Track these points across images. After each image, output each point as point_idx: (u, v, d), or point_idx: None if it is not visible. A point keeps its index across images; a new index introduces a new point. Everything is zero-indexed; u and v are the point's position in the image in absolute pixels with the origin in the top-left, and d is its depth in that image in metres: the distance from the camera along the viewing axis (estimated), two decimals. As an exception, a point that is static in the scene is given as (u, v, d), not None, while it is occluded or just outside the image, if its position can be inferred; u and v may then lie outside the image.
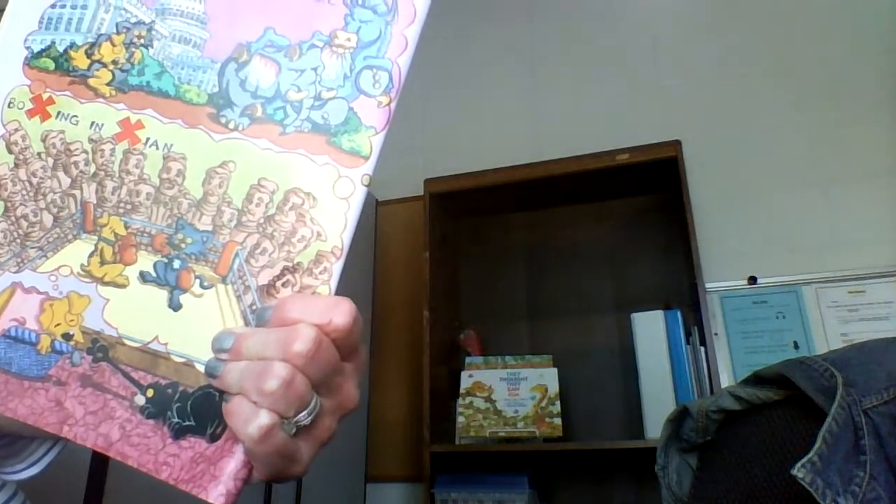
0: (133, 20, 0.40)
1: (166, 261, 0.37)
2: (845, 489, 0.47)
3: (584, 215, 2.11)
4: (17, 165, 0.40)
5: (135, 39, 0.39)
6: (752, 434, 0.61)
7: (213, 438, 0.34)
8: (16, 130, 0.40)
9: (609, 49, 2.27)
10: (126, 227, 0.38)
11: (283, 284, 0.36)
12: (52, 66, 0.40)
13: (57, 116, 0.39)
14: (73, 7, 0.41)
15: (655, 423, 1.60)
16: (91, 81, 0.39)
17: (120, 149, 0.38)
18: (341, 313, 0.33)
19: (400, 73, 0.38)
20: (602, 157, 1.87)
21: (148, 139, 0.38)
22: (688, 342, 1.73)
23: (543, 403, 1.79)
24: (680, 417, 0.70)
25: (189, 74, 0.38)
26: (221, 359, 0.34)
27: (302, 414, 0.33)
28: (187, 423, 0.35)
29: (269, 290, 0.36)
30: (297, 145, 0.37)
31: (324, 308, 0.33)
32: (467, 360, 1.96)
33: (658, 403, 1.66)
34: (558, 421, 1.75)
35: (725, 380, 1.74)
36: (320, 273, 0.36)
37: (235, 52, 0.38)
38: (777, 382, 0.62)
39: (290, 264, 0.36)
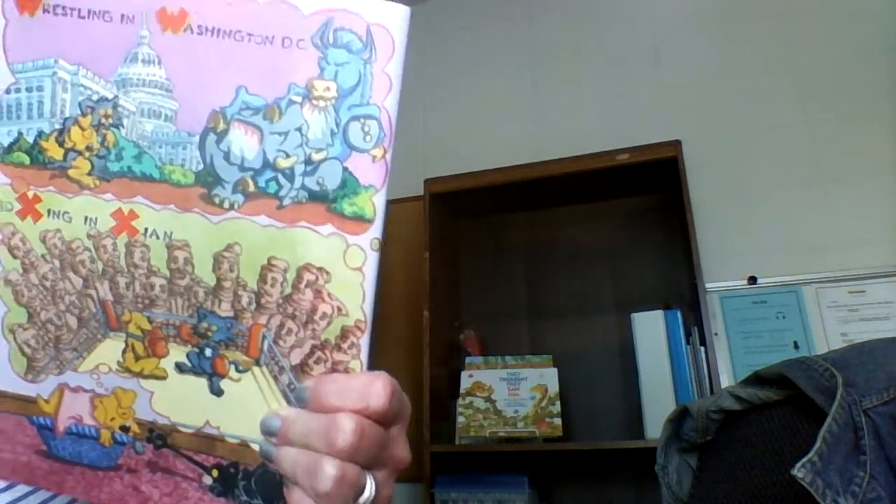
0: (95, 97, 0.37)
1: (198, 350, 0.37)
2: (845, 489, 0.47)
3: (584, 215, 2.11)
4: (25, 270, 0.39)
5: (103, 120, 0.37)
6: (753, 434, 0.61)
7: None
8: (13, 234, 0.39)
9: (609, 49, 2.27)
10: (150, 322, 0.37)
11: (315, 362, 0.36)
12: (27, 160, 0.38)
13: (49, 215, 0.38)
14: (30, 90, 0.38)
15: (655, 423, 1.60)
16: (71, 173, 0.37)
17: (121, 242, 0.37)
18: (377, 395, 0.33)
19: (390, 119, 0.35)
20: (602, 157, 1.87)
21: (146, 229, 0.37)
22: (688, 342, 1.73)
23: (543, 403, 1.79)
24: (680, 417, 0.70)
25: (169, 153, 0.36)
26: (272, 442, 0.35)
27: (361, 498, 0.34)
28: (255, 501, 0.36)
29: (303, 368, 0.36)
30: (297, 217, 0.35)
31: (359, 391, 0.34)
32: (467, 360, 1.96)
33: (658, 403, 1.66)
34: (558, 421, 1.75)
35: (725, 380, 1.74)
36: (349, 348, 0.35)
37: (211, 121, 0.36)
38: (777, 382, 0.62)
39: (318, 342, 0.35)
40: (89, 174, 0.37)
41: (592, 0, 2.36)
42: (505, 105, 2.32)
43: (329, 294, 0.35)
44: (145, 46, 0.36)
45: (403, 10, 0.36)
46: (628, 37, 2.26)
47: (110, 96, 0.37)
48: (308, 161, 0.35)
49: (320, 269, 0.35)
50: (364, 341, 0.36)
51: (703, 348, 1.68)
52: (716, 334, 1.78)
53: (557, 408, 1.78)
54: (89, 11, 0.37)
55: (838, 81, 1.97)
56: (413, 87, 2.44)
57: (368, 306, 0.36)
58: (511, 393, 1.83)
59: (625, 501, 1.83)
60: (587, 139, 2.03)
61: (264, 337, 0.36)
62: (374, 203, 0.35)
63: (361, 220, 0.35)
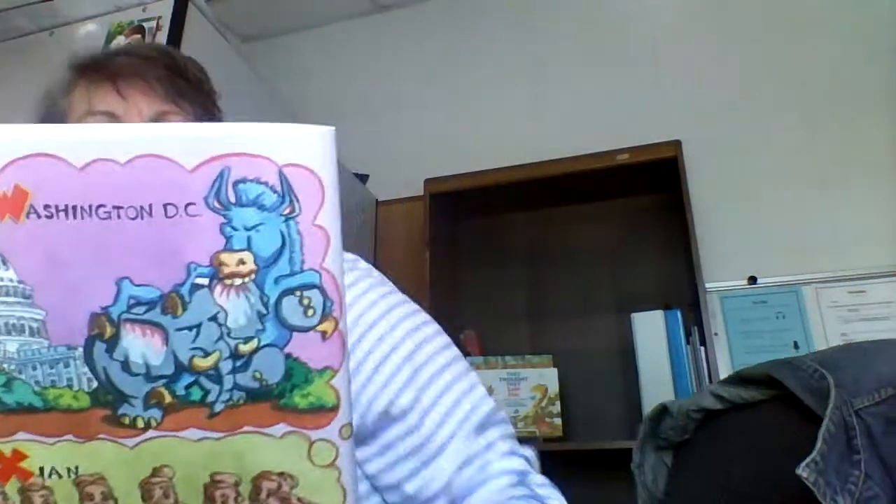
0: None
1: None
2: (842, 487, 0.48)
3: (584, 215, 2.11)
4: None
5: None
6: (735, 433, 0.62)
7: None
8: None
9: (609, 49, 2.27)
10: None
11: None
12: None
13: None
14: None
15: (655, 423, 1.60)
16: None
17: (12, 489, 0.29)
18: None
19: (335, 280, 0.28)
20: (602, 157, 1.87)
21: (41, 469, 0.29)
22: (688, 342, 1.73)
23: (543, 403, 1.79)
24: (659, 416, 0.70)
25: (48, 374, 0.28)
26: None
27: None
28: None
29: None
30: (237, 423, 0.29)
31: None
32: (467, 359, 1.95)
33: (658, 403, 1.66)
34: (558, 421, 1.75)
35: (725, 380, 1.74)
36: None
37: (94, 327, 0.28)
38: (761, 382, 0.63)
39: None
40: None
41: (592, 1, 2.36)
42: (505, 105, 2.32)
43: (299, 499, 0.29)
44: None
45: (325, 133, 0.28)
46: (628, 37, 2.26)
47: None
48: (235, 355, 0.28)
49: (281, 473, 0.29)
50: None
51: (703, 348, 1.68)
52: (716, 334, 1.78)
53: (557, 408, 1.78)
54: None
55: (838, 81, 1.97)
56: (413, 86, 2.44)
57: (351, 500, 0.29)
58: (511, 393, 1.84)
59: (625, 501, 1.83)
60: (587, 139, 2.03)
61: None
62: (336, 387, 0.28)
63: (322, 410, 0.29)
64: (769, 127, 2.00)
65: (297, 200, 0.27)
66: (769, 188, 1.95)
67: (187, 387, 0.28)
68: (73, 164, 0.27)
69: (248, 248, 0.27)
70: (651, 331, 1.75)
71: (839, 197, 1.88)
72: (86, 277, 0.28)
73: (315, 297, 0.28)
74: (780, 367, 0.60)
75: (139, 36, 1.35)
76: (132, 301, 0.28)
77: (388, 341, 0.52)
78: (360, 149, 2.20)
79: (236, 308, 0.28)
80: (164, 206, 0.27)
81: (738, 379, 0.66)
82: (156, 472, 0.29)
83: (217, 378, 0.28)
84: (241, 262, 0.27)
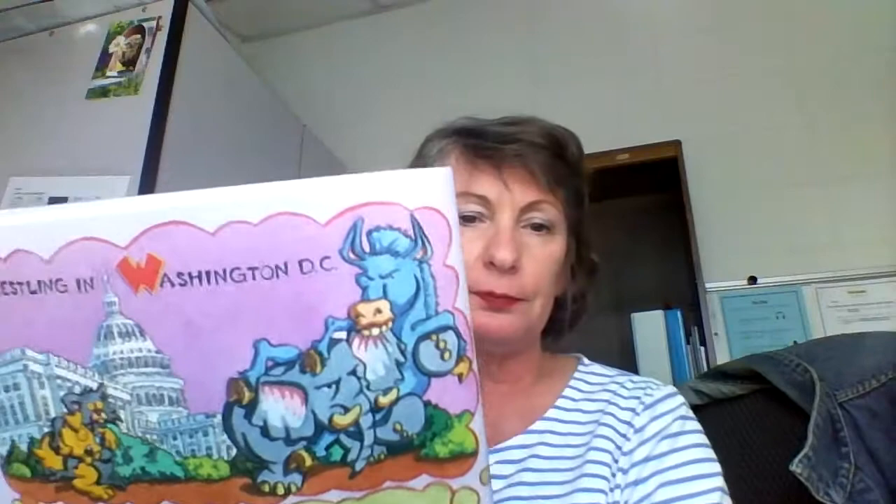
0: (77, 390, 0.29)
1: None
2: (834, 481, 0.48)
3: (584, 215, 2.11)
4: None
5: (94, 417, 0.29)
6: (715, 427, 0.63)
7: None
8: None
9: (609, 49, 2.27)
10: None
11: None
12: (28, 472, 0.30)
13: None
14: (7, 389, 0.30)
15: (655, 423, 1.60)
16: (77, 484, 0.30)
17: None
18: None
19: (466, 320, 0.28)
20: (602, 157, 1.87)
21: None
22: (688, 342, 1.74)
23: (543, 403, 1.79)
24: None
25: (188, 443, 0.28)
26: None
27: None
28: None
29: None
30: (379, 479, 0.27)
31: None
32: (467, 360, 1.95)
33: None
34: (558, 421, 1.75)
35: (725, 380, 1.74)
36: None
37: (232, 393, 0.27)
38: (741, 377, 0.63)
39: None
40: (98, 483, 0.30)
41: (593, 0, 2.36)
42: (505, 105, 2.31)
43: None
44: (117, 315, 0.28)
45: (447, 173, 0.28)
46: (628, 37, 2.26)
47: (95, 386, 0.29)
48: (375, 408, 0.27)
49: None
50: None
51: (703, 348, 1.68)
52: (716, 334, 1.78)
53: (557, 408, 1.77)
54: (39, 283, 0.28)
55: (838, 81, 1.97)
56: (413, 86, 2.44)
57: None
58: (511, 393, 1.83)
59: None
60: (587, 139, 2.02)
61: None
62: (474, 430, 0.28)
63: (463, 456, 0.27)
64: (769, 127, 2.00)
65: (429, 242, 0.27)
66: (769, 188, 1.95)
67: (328, 447, 0.27)
68: (205, 230, 0.27)
69: (385, 297, 0.27)
70: (651, 331, 1.75)
71: (839, 197, 1.88)
72: (222, 343, 0.27)
73: (450, 339, 0.27)
74: (762, 362, 0.61)
75: (139, 36, 1.35)
76: (270, 363, 0.27)
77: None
78: (360, 149, 2.20)
79: (375, 359, 0.27)
80: (300, 262, 0.27)
81: (717, 374, 0.67)
82: None
83: (358, 434, 0.27)
84: (378, 311, 0.27)
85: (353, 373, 0.27)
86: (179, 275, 0.27)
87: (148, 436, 0.28)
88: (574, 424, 0.57)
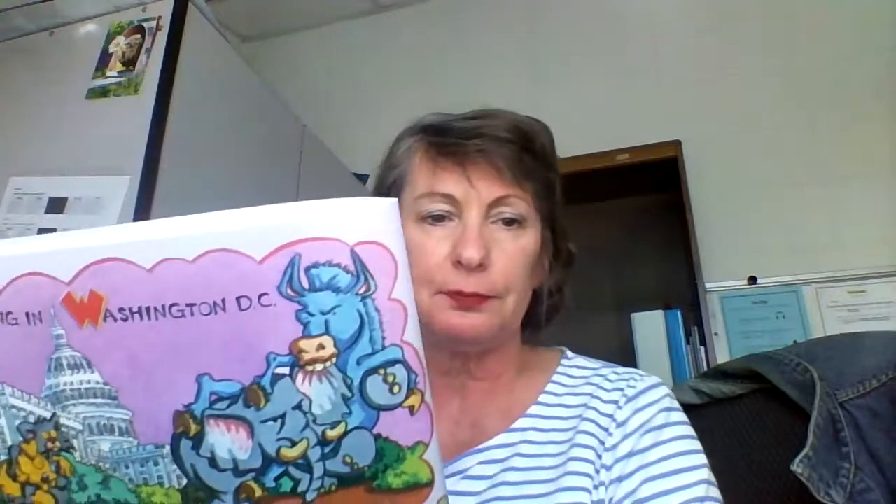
0: (31, 419, 0.30)
1: None
2: (835, 481, 0.48)
3: (584, 215, 2.11)
4: None
5: (49, 445, 0.30)
6: (714, 427, 0.62)
7: None
8: None
9: (609, 49, 2.27)
10: None
11: None
12: None
13: None
14: None
15: (655, 423, 1.60)
16: None
17: None
18: None
19: (416, 352, 0.27)
20: (602, 157, 1.87)
21: None
22: (688, 342, 1.74)
23: (543, 403, 1.79)
24: None
25: (140, 472, 0.28)
26: None
27: None
28: None
29: None
30: None
31: None
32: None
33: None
34: (558, 421, 1.75)
35: (725, 380, 1.74)
36: None
37: (178, 425, 0.28)
38: (741, 376, 0.63)
39: None
40: None
41: (592, 0, 2.36)
42: (505, 105, 2.31)
43: None
44: (66, 348, 0.29)
45: (391, 206, 0.27)
46: (628, 37, 2.26)
47: (48, 415, 0.29)
48: (323, 441, 0.27)
49: None
50: None
51: (703, 348, 1.68)
52: (716, 334, 1.78)
53: (557, 408, 1.78)
54: None
55: (838, 81, 1.97)
56: (413, 86, 2.44)
57: None
58: (511, 393, 1.83)
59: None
60: (587, 139, 2.03)
61: None
62: (429, 461, 0.27)
63: (417, 486, 0.27)
64: (769, 127, 2.00)
65: (373, 278, 0.27)
66: (769, 188, 1.95)
67: (277, 478, 0.27)
68: (142, 266, 0.27)
69: (327, 332, 0.27)
70: (651, 330, 1.75)
71: (839, 197, 1.88)
72: (166, 376, 0.28)
73: (399, 372, 0.27)
74: (762, 361, 0.61)
75: (139, 36, 1.35)
76: (213, 397, 0.27)
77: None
78: (360, 149, 2.20)
79: (320, 394, 0.27)
80: (238, 299, 0.27)
81: (717, 373, 0.67)
82: None
83: (307, 466, 0.27)
84: (321, 346, 0.27)
85: (299, 407, 0.27)
86: (121, 310, 0.27)
87: (101, 464, 0.29)
88: (557, 420, 0.57)
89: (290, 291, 0.27)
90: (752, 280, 1.87)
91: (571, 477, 0.51)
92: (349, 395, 0.27)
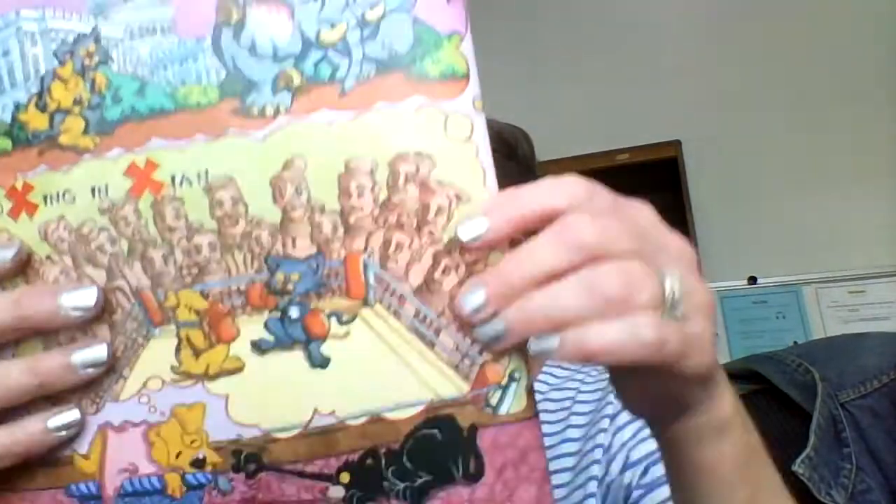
0: (70, 38, 0.29)
1: (279, 314, 0.28)
2: (836, 482, 0.48)
3: (584, 215, 2.12)
4: (30, 283, 0.29)
5: (86, 62, 0.29)
6: None
7: (472, 477, 0.26)
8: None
9: (609, 49, 2.27)
10: (204, 297, 0.28)
11: (443, 273, 0.27)
12: (8, 145, 0.29)
13: (45, 202, 0.29)
14: None
15: (655, 423, 1.60)
16: (63, 140, 0.29)
17: (144, 206, 0.28)
18: (572, 184, 0.28)
19: None
20: (602, 157, 1.87)
21: (173, 177, 0.28)
22: (688, 342, 1.74)
23: (543, 403, 1.79)
24: None
25: (178, 72, 0.28)
26: (482, 319, 0.26)
27: (669, 286, 0.26)
28: (421, 478, 0.27)
29: (429, 287, 0.27)
30: (370, 100, 0.27)
31: (549, 191, 0.27)
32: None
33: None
34: (558, 421, 1.75)
35: (725, 380, 1.74)
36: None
37: (221, 16, 0.28)
38: (741, 377, 0.63)
39: (440, 247, 0.27)
40: (85, 133, 0.29)
41: (593, 0, 2.36)
42: (504, 104, 2.31)
43: (440, 182, 0.27)
44: None
45: None
46: (628, 36, 2.26)
47: (88, 30, 0.29)
48: (363, 23, 0.27)
49: (418, 153, 0.27)
50: None
51: (703, 348, 1.68)
52: (715, 334, 1.78)
53: (557, 408, 1.78)
54: None
55: (838, 81, 1.97)
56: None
57: (492, 182, 0.27)
58: (511, 393, 1.83)
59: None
60: (587, 139, 2.03)
61: (366, 266, 0.27)
62: (465, 53, 0.28)
63: (454, 78, 0.27)
64: (769, 127, 2.00)
65: None
66: (769, 188, 1.95)
67: (316, 64, 0.27)
68: None
69: None
70: (651, 331, 1.75)
71: (839, 197, 1.88)
72: None
73: None
74: (763, 362, 0.61)
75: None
76: None
77: None
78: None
79: None
80: None
81: None
82: (287, 165, 0.27)
83: (345, 50, 0.27)
84: None
85: None
86: None
87: (139, 70, 0.28)
88: (543, 424, 0.57)
89: None
90: (752, 280, 1.87)
91: (554, 475, 0.51)
92: None
